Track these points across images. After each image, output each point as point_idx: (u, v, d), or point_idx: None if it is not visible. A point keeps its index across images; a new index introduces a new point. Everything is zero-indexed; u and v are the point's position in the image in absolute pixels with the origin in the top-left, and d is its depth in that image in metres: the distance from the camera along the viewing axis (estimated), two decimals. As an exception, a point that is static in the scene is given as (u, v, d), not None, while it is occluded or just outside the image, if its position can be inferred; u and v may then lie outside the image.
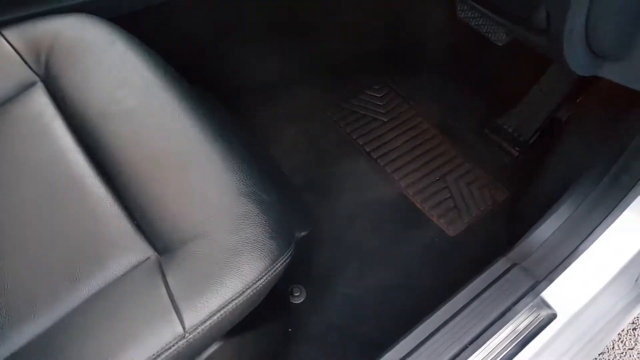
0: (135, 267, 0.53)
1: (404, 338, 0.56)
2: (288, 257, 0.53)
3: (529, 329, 0.55)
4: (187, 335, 0.45)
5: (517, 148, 0.95)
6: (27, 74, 0.68)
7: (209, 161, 0.59)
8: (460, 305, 0.60)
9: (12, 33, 0.70)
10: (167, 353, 0.44)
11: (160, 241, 0.54)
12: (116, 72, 0.66)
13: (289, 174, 0.89)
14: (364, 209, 0.88)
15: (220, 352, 0.54)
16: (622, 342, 0.94)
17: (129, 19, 0.76)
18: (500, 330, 0.56)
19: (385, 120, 1.01)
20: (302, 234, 0.65)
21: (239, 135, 0.77)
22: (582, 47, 0.45)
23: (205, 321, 0.46)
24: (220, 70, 0.91)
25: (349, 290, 0.79)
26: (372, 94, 1.04)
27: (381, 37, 1.02)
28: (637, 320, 0.96)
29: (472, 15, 0.70)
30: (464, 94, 1.01)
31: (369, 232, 0.86)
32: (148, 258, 0.54)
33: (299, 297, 0.79)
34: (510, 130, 0.95)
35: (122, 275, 0.53)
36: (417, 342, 0.56)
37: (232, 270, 0.48)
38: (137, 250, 0.54)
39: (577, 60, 0.48)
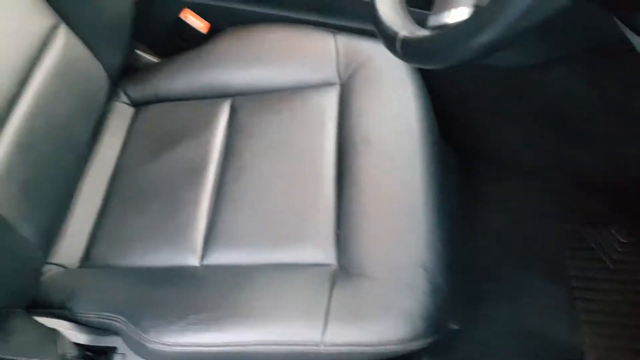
0: (316, 265, 0.67)
1: None
2: (426, 344, 0.59)
3: None
4: (320, 345, 0.57)
5: None
6: (333, 74, 0.86)
7: (417, 222, 0.68)
8: None
9: (342, 38, 0.89)
10: (295, 347, 0.57)
11: (346, 259, 0.66)
12: (393, 110, 0.79)
13: (476, 255, 0.91)
14: (520, 339, 0.85)
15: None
16: None
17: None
18: None
19: (611, 267, 0.93)
20: (454, 327, 0.69)
21: (458, 206, 0.83)
22: None
23: (337, 345, 0.57)
24: (474, 135, 0.97)
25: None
26: (616, 233, 0.96)
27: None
28: None
29: None
30: None
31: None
32: (329, 265, 0.67)
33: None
34: None
35: (306, 265, 0.67)
36: None
37: (375, 324, 0.57)
38: (326, 253, 0.68)
39: None
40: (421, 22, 0.46)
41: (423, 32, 0.41)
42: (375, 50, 0.86)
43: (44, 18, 0.74)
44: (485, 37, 0.34)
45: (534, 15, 0.32)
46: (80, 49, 0.80)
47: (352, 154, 0.75)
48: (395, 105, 0.80)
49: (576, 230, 0.97)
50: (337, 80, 0.85)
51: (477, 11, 0.35)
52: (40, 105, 0.71)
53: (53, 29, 0.75)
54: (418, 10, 0.58)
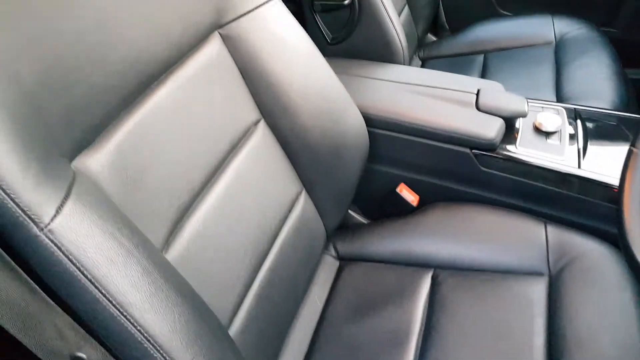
0: None
1: None
2: None
3: None
4: None
5: None
6: (542, 264, 0.89)
7: None
8: None
9: (553, 228, 0.92)
10: None
11: None
12: (611, 316, 0.78)
13: None
14: None
15: None
16: None
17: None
18: None
19: None
20: None
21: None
22: None
23: None
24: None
25: None
26: None
27: None
28: None
29: None
30: None
31: None
32: None
33: None
34: None
35: None
36: None
37: None
38: None
39: None
40: None
41: None
42: (588, 247, 0.88)
43: (293, 186, 0.91)
44: None
45: None
46: (311, 211, 0.96)
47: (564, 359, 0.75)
48: (613, 310, 0.79)
49: None
50: (546, 271, 0.88)
51: None
52: (280, 260, 0.85)
53: (297, 195, 0.92)
54: None
